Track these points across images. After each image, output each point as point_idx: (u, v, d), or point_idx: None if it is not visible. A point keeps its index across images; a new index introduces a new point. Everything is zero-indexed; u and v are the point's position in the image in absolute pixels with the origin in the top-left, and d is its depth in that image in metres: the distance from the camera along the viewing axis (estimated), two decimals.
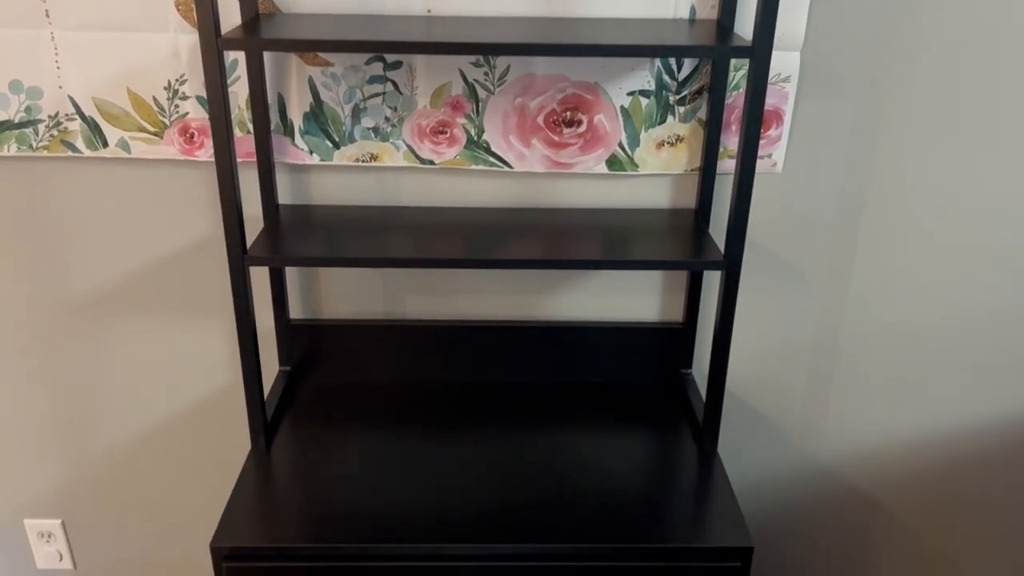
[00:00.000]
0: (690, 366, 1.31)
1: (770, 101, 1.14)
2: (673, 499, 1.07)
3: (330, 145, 1.17)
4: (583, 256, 1.08)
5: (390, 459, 1.12)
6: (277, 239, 1.10)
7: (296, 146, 1.17)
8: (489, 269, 1.26)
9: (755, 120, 0.98)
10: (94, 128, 1.17)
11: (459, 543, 0.98)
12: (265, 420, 1.14)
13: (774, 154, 1.18)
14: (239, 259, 1.03)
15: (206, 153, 1.18)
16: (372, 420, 1.21)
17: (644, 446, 1.16)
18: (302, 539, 0.98)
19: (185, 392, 1.36)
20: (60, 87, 1.14)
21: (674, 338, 1.29)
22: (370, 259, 1.05)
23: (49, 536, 1.49)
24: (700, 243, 1.11)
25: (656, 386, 1.30)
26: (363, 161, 1.18)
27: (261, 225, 1.15)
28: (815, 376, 1.33)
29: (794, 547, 1.46)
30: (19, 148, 1.18)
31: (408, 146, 1.17)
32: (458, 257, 1.06)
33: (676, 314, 1.30)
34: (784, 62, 1.12)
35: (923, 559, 1.47)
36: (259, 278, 1.25)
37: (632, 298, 1.28)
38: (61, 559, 1.51)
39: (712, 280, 1.26)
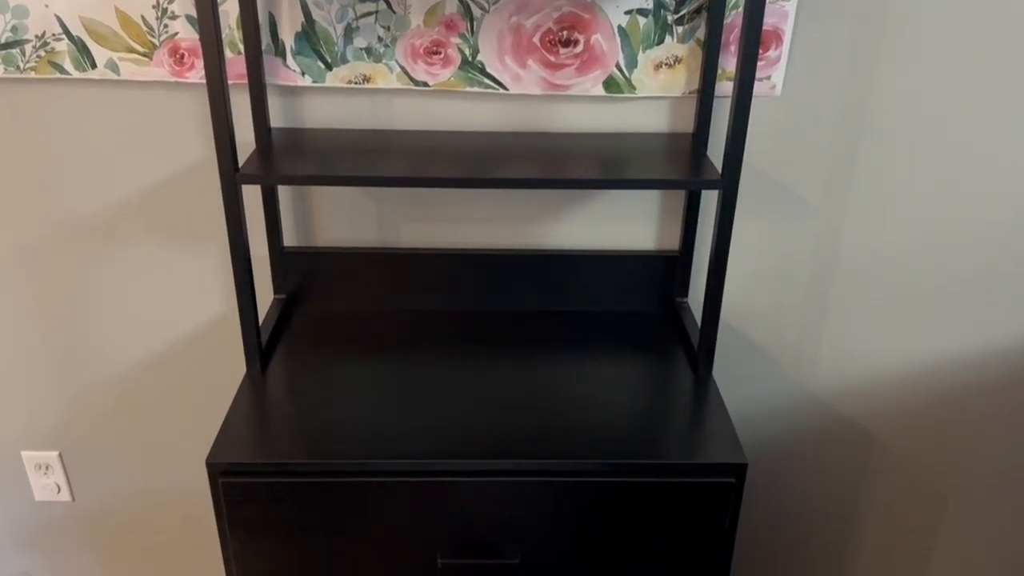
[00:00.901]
0: (686, 295, 1.31)
1: (769, 20, 1.12)
2: (668, 419, 1.07)
3: (322, 66, 1.15)
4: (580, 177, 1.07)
5: (386, 384, 1.12)
6: (269, 159, 1.09)
7: (288, 67, 1.15)
8: (484, 192, 1.25)
9: (753, 40, 0.96)
10: (82, 48, 1.14)
11: (456, 459, 0.98)
12: (260, 344, 1.14)
13: (773, 76, 1.16)
14: (231, 177, 1.02)
15: (197, 75, 1.16)
16: (367, 347, 1.21)
17: (640, 371, 1.16)
18: (298, 455, 0.99)
19: (179, 322, 1.36)
20: (46, 5, 1.12)
21: (671, 266, 1.28)
22: (364, 178, 1.04)
23: (47, 468, 1.50)
24: (698, 165, 1.10)
25: (652, 314, 1.30)
26: (356, 83, 1.16)
27: (253, 149, 1.14)
28: (810, 304, 1.33)
29: (788, 477, 1.48)
30: (6, 69, 1.16)
31: (401, 67, 1.15)
32: (453, 176, 1.04)
33: (673, 242, 1.29)
34: None
35: (914, 488, 1.49)
36: (252, 205, 1.24)
37: (629, 226, 1.28)
38: (59, 491, 1.52)
39: (709, 208, 1.26)
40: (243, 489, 0.98)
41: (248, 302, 1.09)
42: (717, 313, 1.11)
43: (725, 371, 1.37)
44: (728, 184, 1.03)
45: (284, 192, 1.26)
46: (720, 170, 1.05)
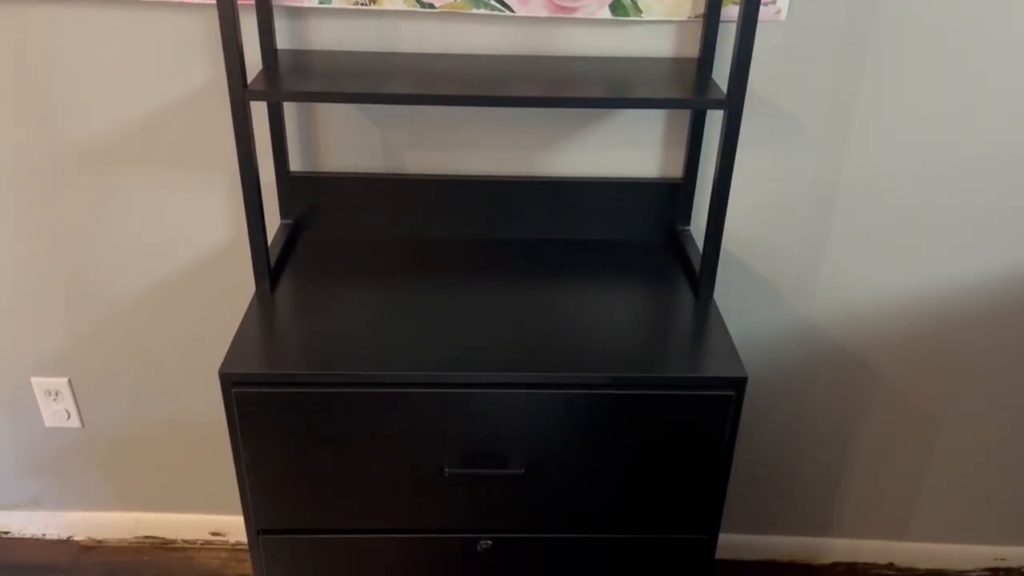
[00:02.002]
0: (688, 223, 1.32)
1: None
2: (670, 337, 1.09)
3: None
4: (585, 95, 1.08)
5: (392, 304, 1.14)
6: (277, 78, 1.09)
7: None
8: (488, 118, 1.26)
9: None
10: None
11: (462, 371, 1.01)
12: (269, 263, 1.15)
13: (778, 0, 1.17)
14: (240, 94, 1.02)
15: None
16: (374, 270, 1.22)
17: (642, 295, 1.18)
18: (307, 367, 1.01)
19: (186, 248, 1.37)
20: None
21: (673, 194, 1.30)
22: (370, 95, 1.04)
23: (56, 394, 1.52)
24: (703, 87, 1.11)
25: (655, 242, 1.32)
26: (362, 4, 1.16)
27: (260, 70, 1.14)
28: (811, 234, 1.35)
29: (784, 406, 1.51)
30: None
31: None
32: (459, 94, 1.05)
33: (676, 170, 1.30)
34: None
35: (908, 419, 1.52)
36: (259, 130, 1.24)
37: (633, 153, 1.29)
38: (69, 417, 1.55)
39: (712, 136, 1.26)
40: (255, 399, 1.00)
41: (256, 220, 1.10)
42: (720, 233, 1.12)
43: (725, 301, 1.39)
44: (733, 105, 1.04)
45: (290, 117, 1.26)
46: (725, 91, 1.06)
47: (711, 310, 1.15)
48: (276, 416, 1.01)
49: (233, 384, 1.00)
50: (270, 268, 1.17)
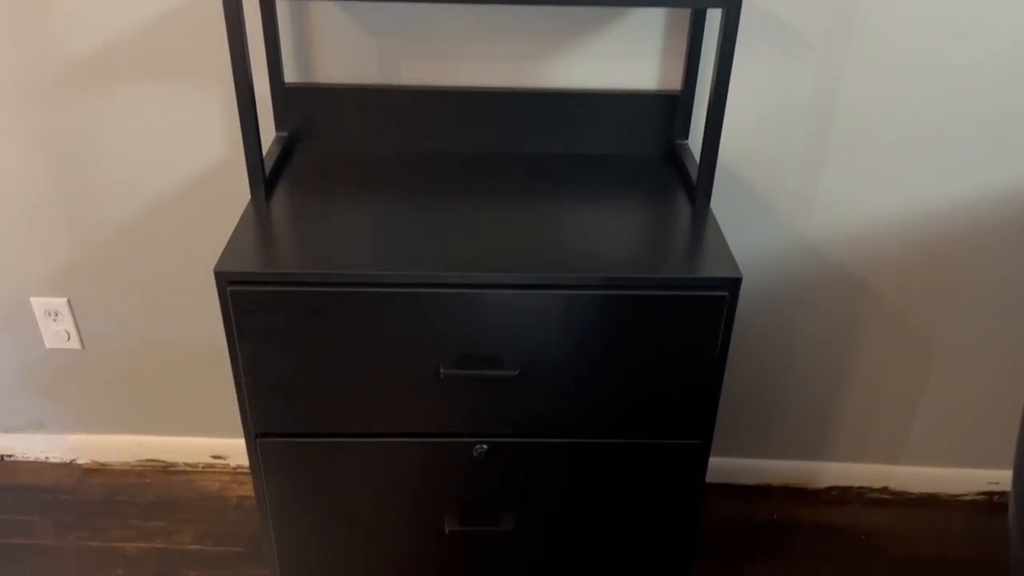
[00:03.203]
0: (686, 137, 1.31)
1: None
2: (666, 242, 1.09)
3: None
4: None
5: (389, 212, 1.14)
6: None
7: None
8: (485, 27, 1.24)
9: None
10: None
11: (459, 271, 1.01)
12: (264, 171, 1.15)
13: None
14: None
15: None
16: (370, 181, 1.22)
17: (638, 204, 1.18)
18: (304, 266, 1.01)
19: (183, 164, 1.37)
20: None
21: (672, 106, 1.29)
22: None
23: (56, 315, 1.53)
24: None
25: (652, 157, 1.31)
26: None
27: None
28: (808, 149, 1.34)
29: (780, 327, 1.51)
30: None
31: None
32: None
33: (675, 82, 1.29)
34: None
35: (905, 340, 1.52)
36: (253, 41, 1.23)
37: (631, 65, 1.27)
38: (69, 338, 1.56)
39: (711, 48, 1.25)
40: (251, 298, 1.01)
41: (250, 124, 1.10)
42: (717, 138, 1.11)
43: (722, 218, 1.39)
44: (731, 2, 1.03)
45: (284, 27, 1.25)
46: None
47: (707, 217, 1.14)
48: (272, 316, 1.02)
49: (229, 283, 1.00)
50: (265, 176, 1.16)
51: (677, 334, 1.05)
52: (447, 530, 1.20)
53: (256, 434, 1.12)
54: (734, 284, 1.02)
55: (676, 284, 1.02)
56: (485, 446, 1.14)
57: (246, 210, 1.13)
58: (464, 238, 1.08)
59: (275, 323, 1.03)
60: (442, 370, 1.05)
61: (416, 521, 1.21)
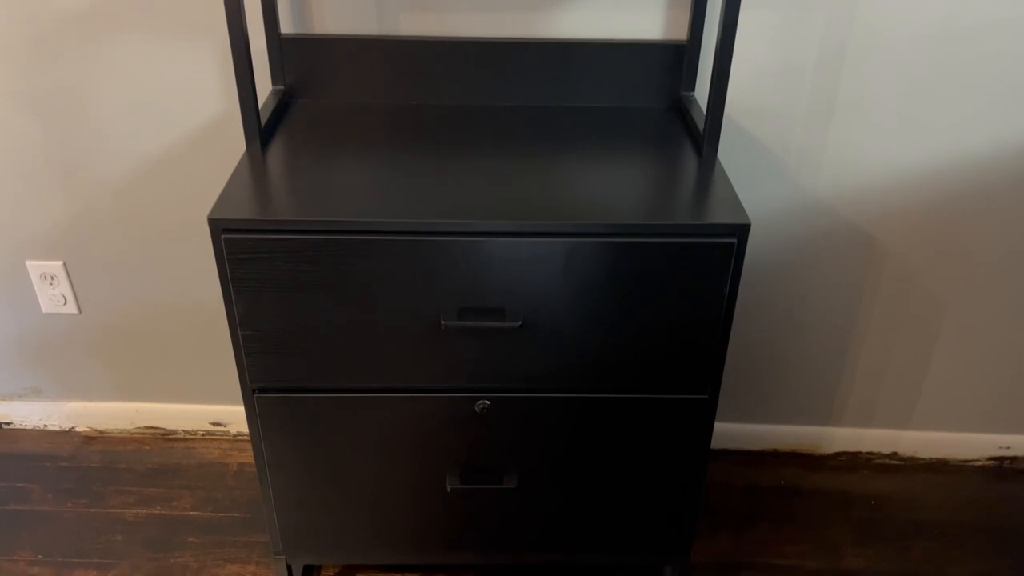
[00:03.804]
0: (692, 88, 1.28)
1: None
2: (672, 190, 1.06)
3: None
4: None
5: (388, 164, 1.11)
6: None
7: None
8: None
9: None
10: None
11: (460, 219, 0.98)
12: (259, 122, 1.12)
13: None
14: None
15: None
16: (368, 133, 1.19)
17: (643, 155, 1.15)
18: (299, 214, 0.98)
19: (178, 120, 1.34)
20: None
21: (678, 58, 1.25)
22: None
23: (52, 278, 1.51)
24: None
25: (658, 109, 1.28)
26: None
27: None
28: (816, 102, 1.30)
29: (787, 287, 1.48)
30: None
31: None
32: None
33: (680, 32, 1.26)
34: None
35: (914, 302, 1.49)
36: None
37: (636, 15, 1.24)
38: (65, 303, 1.54)
39: None
40: (246, 246, 0.98)
41: (245, 74, 1.06)
42: (724, 85, 1.08)
43: (728, 173, 1.36)
44: None
45: None
46: None
47: (714, 166, 1.11)
48: (267, 264, 0.99)
49: (223, 230, 0.98)
50: (260, 127, 1.13)
51: (684, 284, 1.02)
52: (449, 488, 1.18)
53: (253, 389, 1.10)
54: (743, 230, 0.99)
55: (683, 231, 0.99)
56: (487, 402, 1.11)
57: (241, 161, 1.10)
58: (465, 188, 1.05)
59: (271, 273, 1.00)
60: (443, 321, 1.03)
61: (417, 480, 1.19)
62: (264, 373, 1.08)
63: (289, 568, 1.32)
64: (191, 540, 1.48)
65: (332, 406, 1.11)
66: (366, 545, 1.27)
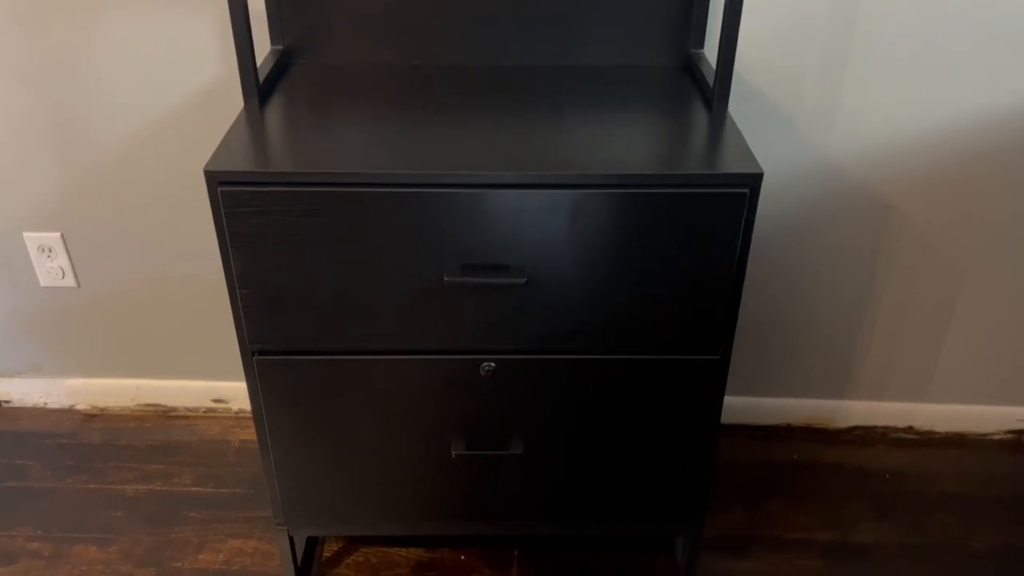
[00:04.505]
0: (702, 45, 1.25)
1: None
2: (682, 142, 1.03)
3: None
4: None
5: (388, 120, 1.08)
6: None
7: None
8: None
9: None
10: None
11: (463, 170, 0.95)
12: (257, 79, 1.09)
13: None
14: None
15: None
16: (370, 93, 1.16)
17: (652, 110, 1.12)
18: (298, 166, 0.95)
19: (175, 84, 1.31)
20: None
21: (687, 11, 1.22)
22: None
23: (50, 251, 1.48)
24: None
25: (667, 65, 1.25)
26: None
27: None
28: (828, 60, 1.27)
29: (799, 255, 1.45)
30: None
31: None
32: None
33: None
34: None
35: (931, 269, 1.45)
36: None
37: None
38: (64, 276, 1.51)
39: None
40: (243, 199, 0.95)
41: (242, 29, 1.03)
42: (734, 36, 1.04)
43: None
44: None
45: None
46: None
47: (725, 119, 1.08)
48: (265, 219, 0.96)
49: (219, 183, 0.94)
50: (258, 84, 1.10)
51: (695, 237, 0.99)
52: (453, 454, 1.15)
53: (252, 352, 1.07)
54: (755, 180, 0.95)
55: (694, 181, 0.95)
56: (492, 364, 1.08)
57: (238, 117, 1.07)
58: (469, 141, 1.02)
59: (269, 228, 0.97)
60: (446, 278, 1.00)
61: (421, 445, 1.16)
62: (263, 333, 1.05)
63: (292, 541, 1.29)
64: (192, 515, 1.45)
65: (333, 368, 1.08)
66: (369, 516, 1.24)
